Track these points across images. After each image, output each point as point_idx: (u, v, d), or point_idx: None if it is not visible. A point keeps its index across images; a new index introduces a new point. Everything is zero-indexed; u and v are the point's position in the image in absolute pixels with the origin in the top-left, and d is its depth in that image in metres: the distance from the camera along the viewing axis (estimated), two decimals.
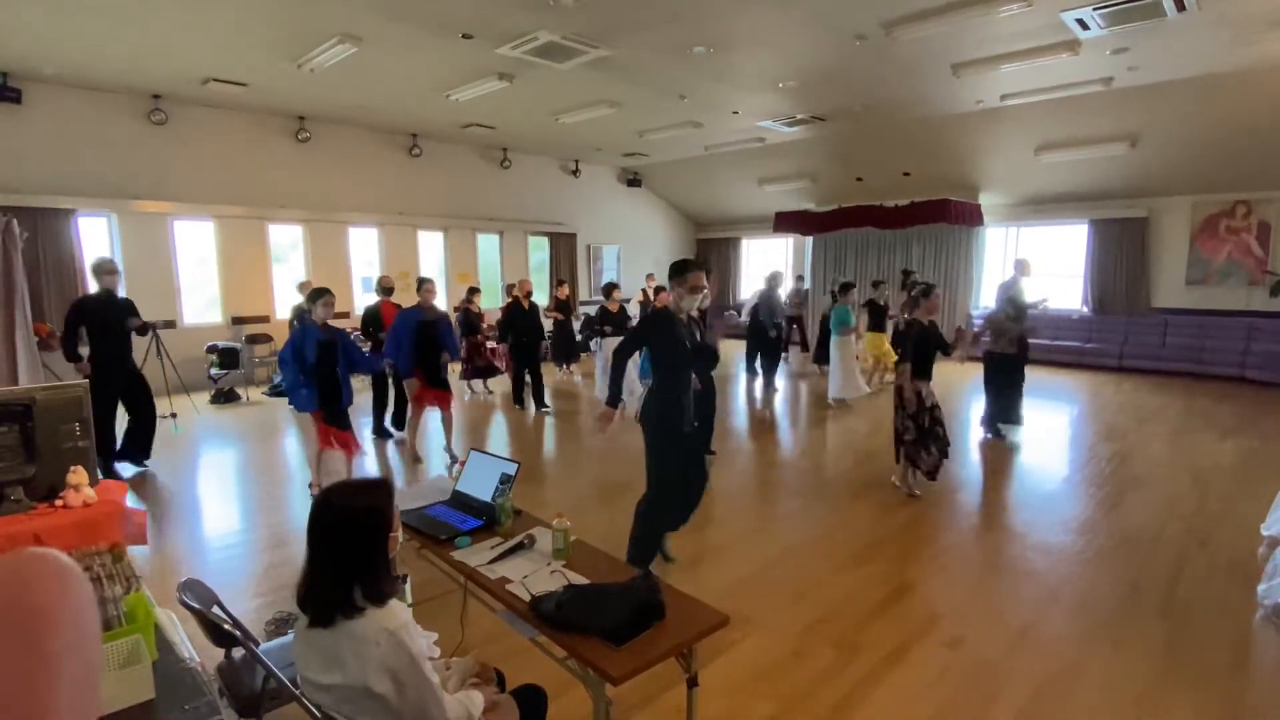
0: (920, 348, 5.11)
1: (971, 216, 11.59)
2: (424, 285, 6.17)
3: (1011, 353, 6.74)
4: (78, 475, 2.57)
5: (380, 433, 7.11)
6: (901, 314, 9.47)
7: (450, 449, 6.20)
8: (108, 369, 5.68)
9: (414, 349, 5.92)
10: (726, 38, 6.77)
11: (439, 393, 6.12)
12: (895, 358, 9.42)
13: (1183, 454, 6.10)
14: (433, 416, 6.58)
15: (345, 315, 10.57)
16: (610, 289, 8.65)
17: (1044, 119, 9.52)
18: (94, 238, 8.80)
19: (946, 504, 5.00)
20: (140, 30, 6.51)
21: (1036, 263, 12.19)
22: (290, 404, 5.02)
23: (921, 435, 5.04)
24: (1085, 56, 7.16)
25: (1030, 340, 6.92)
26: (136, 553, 3.08)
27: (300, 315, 7.30)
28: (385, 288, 7.66)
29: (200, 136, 9.31)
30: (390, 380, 7.05)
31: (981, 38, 6.73)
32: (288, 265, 10.68)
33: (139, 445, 5.97)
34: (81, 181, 8.46)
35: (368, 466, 6.05)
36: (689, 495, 3.85)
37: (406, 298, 6.75)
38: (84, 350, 5.66)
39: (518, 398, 8.46)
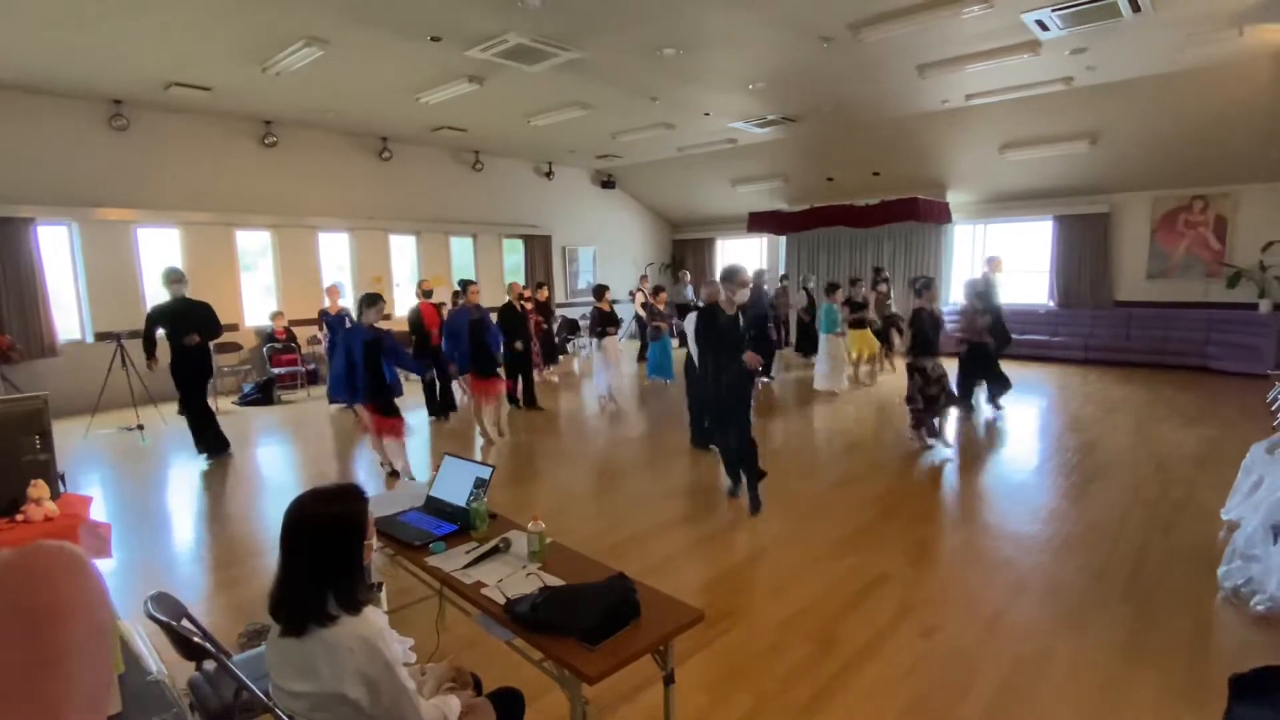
0: (927, 331, 6.20)
1: (940, 214, 11.78)
2: (468, 287, 6.96)
3: (983, 342, 7.23)
4: (39, 489, 2.51)
5: (434, 412, 8.11)
6: (880, 309, 9.92)
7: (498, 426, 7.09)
8: (188, 370, 6.28)
9: (469, 345, 6.76)
10: (695, 40, 6.81)
11: (493, 381, 6.93)
12: (878, 350, 9.99)
13: (1146, 443, 6.26)
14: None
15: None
16: (601, 291, 8.83)
17: (1008, 118, 9.72)
18: (54, 247, 8.58)
19: (921, 495, 5.08)
20: (99, 35, 6.36)
21: (1005, 258, 12.55)
22: (335, 399, 5.75)
23: (929, 404, 6.16)
24: (1046, 57, 7.32)
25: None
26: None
27: (346, 317, 8.37)
28: (425, 291, 8.33)
29: (163, 142, 9.13)
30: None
31: (945, 39, 6.86)
32: (256, 272, 10.50)
33: (207, 430, 6.52)
34: (40, 189, 8.24)
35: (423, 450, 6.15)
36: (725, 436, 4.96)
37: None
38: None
39: (513, 398, 8.44)
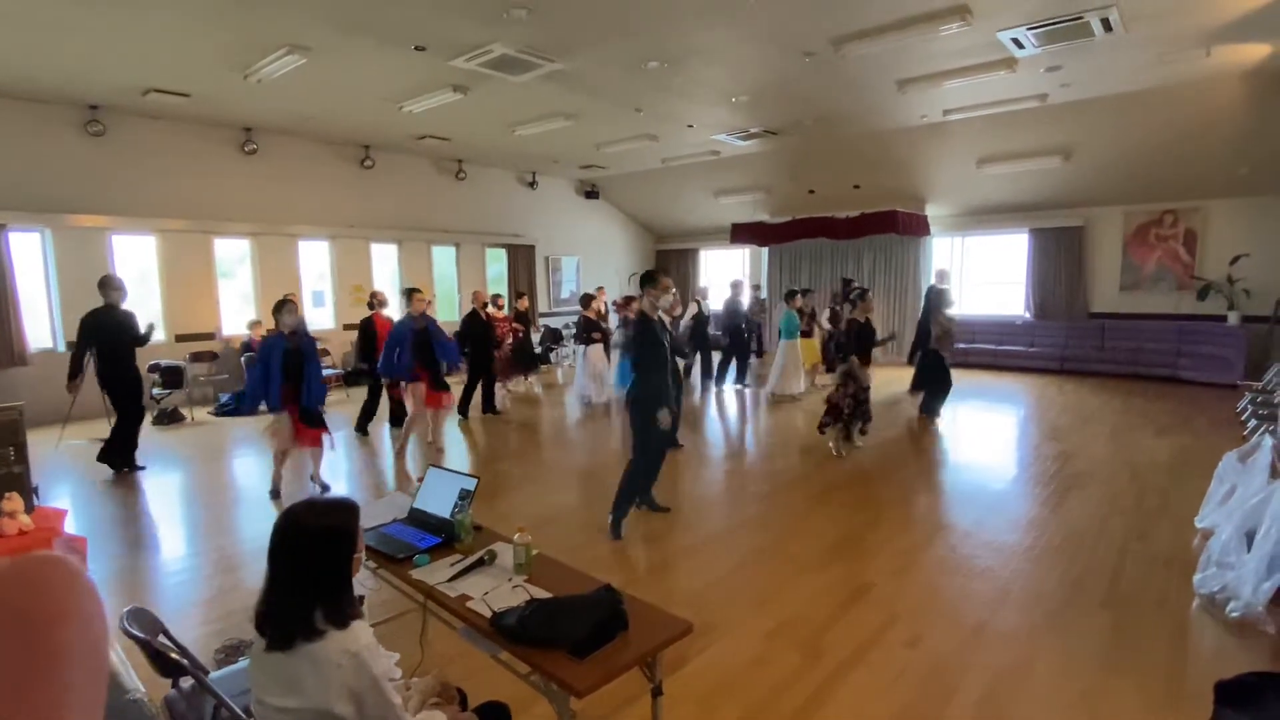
0: (860, 340, 6.58)
1: (919, 227, 11.96)
2: (413, 295, 6.66)
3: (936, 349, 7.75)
4: (12, 502, 2.45)
5: (361, 431, 7.73)
6: (835, 319, 10.14)
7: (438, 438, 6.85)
8: (111, 380, 6.06)
9: (415, 356, 6.46)
10: (679, 53, 6.87)
11: (443, 394, 6.74)
12: (821, 361, 10.17)
13: (1122, 452, 6.37)
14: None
15: None
16: (588, 299, 8.94)
17: (984, 133, 9.91)
18: (26, 254, 8.41)
19: (904, 506, 5.12)
20: (76, 40, 6.27)
21: (982, 270, 12.79)
22: (264, 408, 5.29)
23: (857, 407, 6.52)
24: (1021, 74, 7.49)
25: (962, 344, 7.67)
26: None
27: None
28: (380, 302, 8.01)
29: (140, 148, 8.99)
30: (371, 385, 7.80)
31: (924, 55, 6.98)
32: (235, 280, 10.37)
33: (122, 448, 6.24)
34: (12, 195, 8.07)
35: (340, 466, 5.91)
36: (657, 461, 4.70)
37: (358, 312, 6.88)
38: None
39: (463, 408, 8.35)
